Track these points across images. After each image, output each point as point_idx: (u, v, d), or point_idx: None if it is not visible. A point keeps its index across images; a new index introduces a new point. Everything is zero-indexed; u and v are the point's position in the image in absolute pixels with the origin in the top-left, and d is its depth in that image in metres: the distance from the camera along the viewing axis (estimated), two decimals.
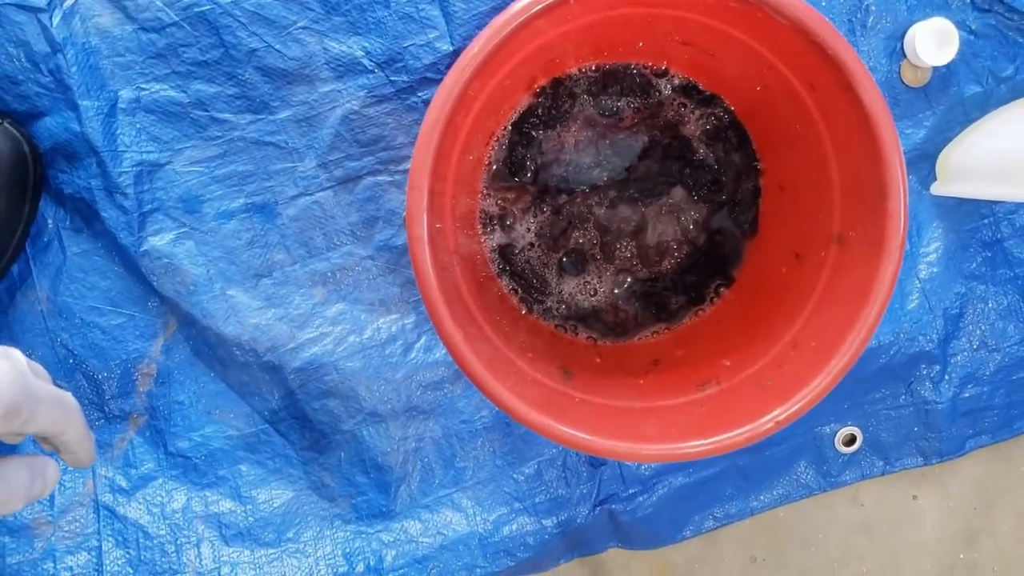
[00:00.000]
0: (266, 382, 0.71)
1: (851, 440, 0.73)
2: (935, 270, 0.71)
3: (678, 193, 0.66)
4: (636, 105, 0.65)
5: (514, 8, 0.49)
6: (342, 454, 0.72)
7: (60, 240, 0.71)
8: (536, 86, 0.64)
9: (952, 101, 0.71)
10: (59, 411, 0.39)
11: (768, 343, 0.56)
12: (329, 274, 0.71)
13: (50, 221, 0.71)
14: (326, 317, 0.71)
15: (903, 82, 0.71)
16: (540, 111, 0.65)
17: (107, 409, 0.72)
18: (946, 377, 0.72)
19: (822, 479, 0.73)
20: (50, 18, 0.68)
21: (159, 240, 0.69)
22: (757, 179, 0.66)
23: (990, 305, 0.72)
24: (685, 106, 0.65)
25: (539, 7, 0.48)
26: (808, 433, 0.73)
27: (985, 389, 0.72)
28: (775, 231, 0.64)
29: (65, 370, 0.71)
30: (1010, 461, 0.74)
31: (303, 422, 0.71)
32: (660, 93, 0.65)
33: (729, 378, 0.56)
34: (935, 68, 0.70)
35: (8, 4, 0.67)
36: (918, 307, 0.71)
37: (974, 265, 0.71)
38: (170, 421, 0.72)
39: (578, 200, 0.66)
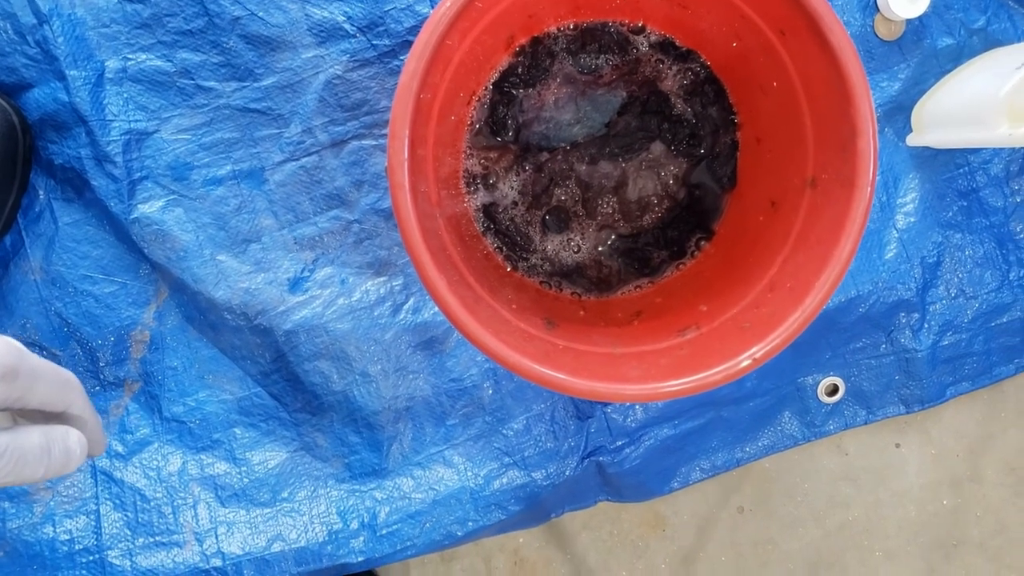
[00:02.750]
0: (257, 345, 0.72)
1: (833, 390, 0.74)
2: (912, 220, 0.72)
3: (657, 148, 0.67)
4: (614, 62, 0.66)
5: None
6: (334, 415, 0.73)
7: (51, 210, 0.72)
8: (516, 45, 0.65)
9: (926, 53, 0.72)
10: (60, 384, 0.39)
11: (746, 288, 0.57)
12: (317, 238, 0.72)
13: (41, 192, 0.72)
14: (315, 280, 0.72)
15: (877, 36, 0.72)
16: (520, 70, 0.66)
17: (102, 376, 0.73)
18: (925, 325, 0.73)
19: (806, 429, 0.75)
20: None
21: (149, 208, 0.70)
22: (735, 132, 0.67)
23: (967, 253, 0.73)
24: (662, 62, 0.67)
25: None
26: (791, 384, 0.74)
27: (964, 336, 0.73)
28: (753, 182, 0.65)
29: (60, 339, 0.72)
30: (991, 407, 0.76)
31: (295, 384, 0.73)
32: (637, 50, 0.66)
33: (709, 322, 0.57)
34: (908, 21, 0.71)
35: None
36: (896, 257, 0.72)
37: (950, 214, 0.73)
38: (164, 387, 0.73)
39: (559, 157, 0.67)
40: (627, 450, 0.72)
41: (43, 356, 0.70)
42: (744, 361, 0.51)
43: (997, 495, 0.77)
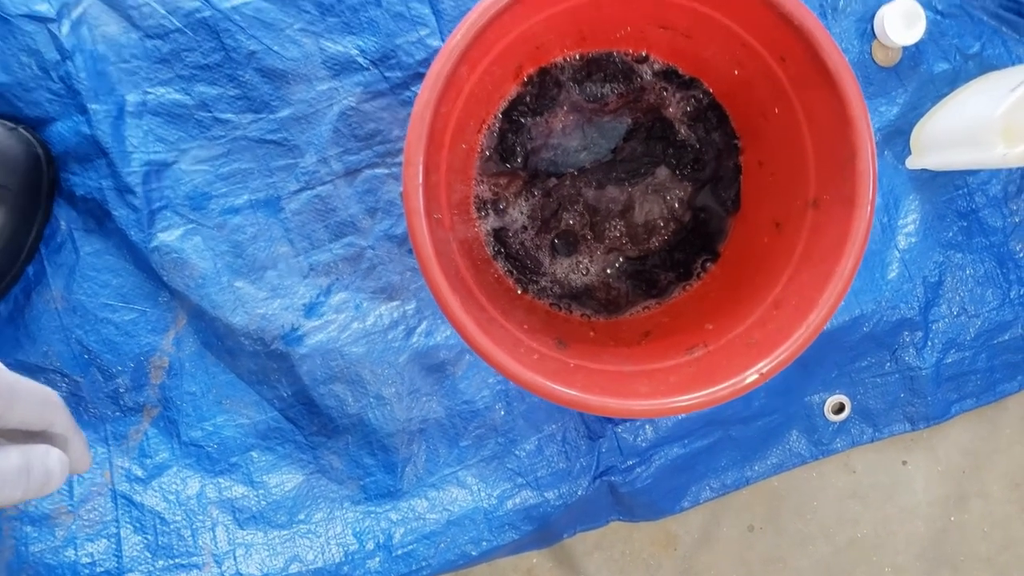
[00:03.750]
0: (274, 370, 0.74)
1: (840, 408, 0.75)
2: (914, 240, 0.74)
3: (663, 172, 0.69)
4: (619, 90, 0.68)
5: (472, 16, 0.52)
6: (349, 437, 0.74)
7: (73, 240, 0.74)
8: (524, 75, 0.67)
9: (923, 79, 0.74)
10: (39, 403, 0.38)
11: (752, 306, 0.59)
12: (331, 264, 0.74)
13: (63, 222, 0.74)
14: (330, 305, 0.74)
15: (875, 62, 0.74)
16: (528, 99, 0.68)
17: (122, 402, 0.74)
18: (929, 343, 0.74)
19: (814, 447, 0.76)
20: (59, 27, 0.71)
21: (168, 236, 0.72)
22: (737, 156, 0.69)
23: (968, 272, 0.74)
24: (666, 90, 0.69)
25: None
26: (798, 403, 0.75)
27: (967, 354, 0.74)
28: (757, 204, 0.67)
29: (80, 365, 0.74)
30: (995, 424, 0.77)
31: (311, 408, 0.74)
32: (642, 78, 0.68)
33: (716, 340, 0.58)
34: (905, 48, 0.73)
35: (20, 15, 0.70)
36: (898, 276, 0.74)
37: (951, 234, 0.74)
38: (183, 411, 0.74)
39: (567, 183, 0.69)
40: (638, 469, 0.73)
41: (64, 383, 0.72)
42: (751, 376, 0.52)
43: (1003, 511, 0.78)
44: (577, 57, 0.68)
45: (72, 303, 0.74)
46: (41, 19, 0.71)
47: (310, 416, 0.74)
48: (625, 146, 0.68)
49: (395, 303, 0.74)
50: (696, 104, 0.68)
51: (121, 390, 0.74)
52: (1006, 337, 0.75)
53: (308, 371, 0.73)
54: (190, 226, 0.73)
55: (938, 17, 0.73)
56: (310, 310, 0.74)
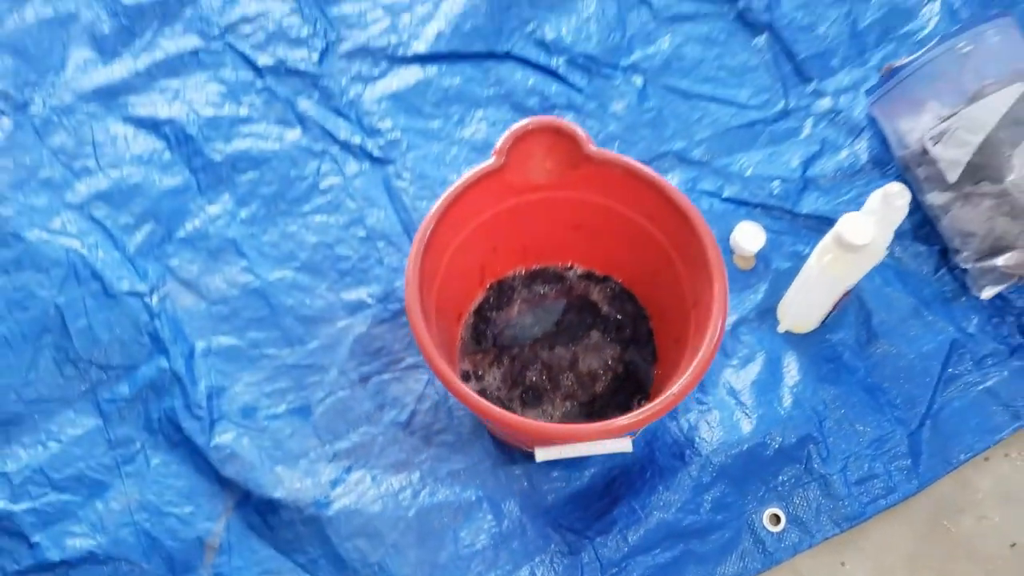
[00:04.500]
0: (307, 535, 0.89)
1: (776, 520, 0.91)
2: (797, 378, 0.96)
3: (595, 336, 0.94)
4: (555, 288, 0.96)
5: (446, 193, 0.81)
6: None
7: (145, 454, 0.94)
8: (487, 283, 0.95)
9: (774, 273, 1.02)
10: None
11: (668, 386, 0.80)
12: (351, 449, 0.94)
13: (138, 442, 0.94)
14: (351, 479, 0.92)
15: (738, 268, 1.03)
16: (491, 300, 0.95)
17: None
18: (830, 453, 0.92)
19: (763, 557, 0.90)
20: (150, 299, 0.99)
21: (224, 438, 0.93)
22: (648, 323, 0.94)
23: (846, 399, 0.95)
24: (588, 285, 0.96)
25: (462, 187, 0.81)
26: (742, 518, 0.91)
27: (865, 461, 0.92)
28: (666, 348, 0.91)
29: (146, 552, 0.89)
30: (910, 521, 0.92)
31: (338, 563, 0.88)
32: (570, 280, 0.96)
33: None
34: (757, 254, 1.03)
35: (123, 292, 0.98)
36: (792, 404, 0.94)
37: (824, 372, 0.97)
38: None
39: (527, 350, 0.93)
40: None
41: (130, 570, 0.87)
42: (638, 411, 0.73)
43: None
44: (523, 272, 0.96)
45: (142, 503, 0.91)
46: (137, 295, 0.99)
47: (337, 572, 0.88)
48: (564, 319, 0.94)
49: (403, 474, 0.93)
50: (611, 291, 0.96)
51: (179, 570, 0.88)
52: (890, 446, 0.93)
53: (335, 529, 0.89)
54: (241, 430, 0.94)
55: (773, 233, 1.04)
56: (335, 484, 0.92)
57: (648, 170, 0.82)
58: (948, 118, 0.97)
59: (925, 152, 0.98)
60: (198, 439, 0.93)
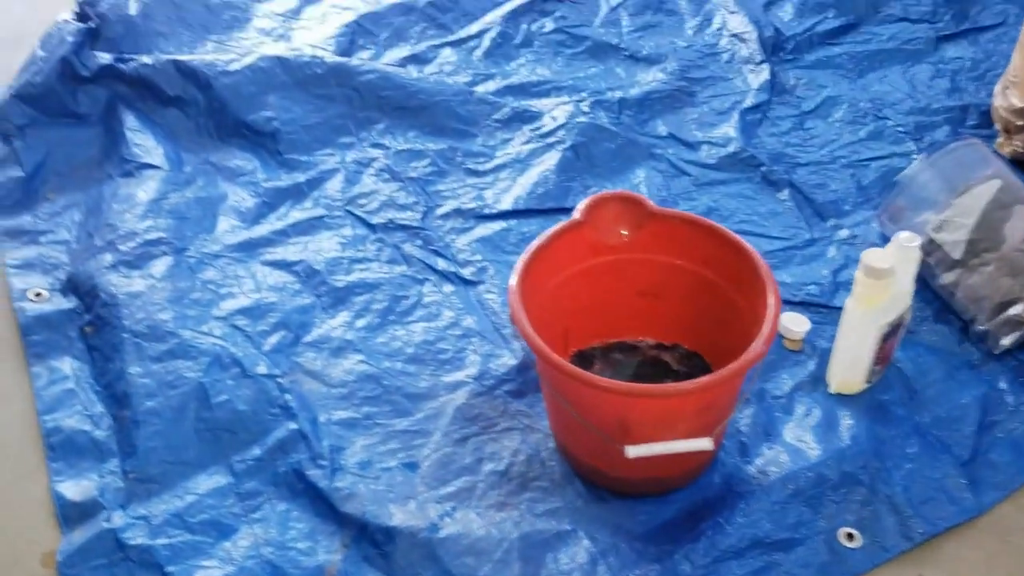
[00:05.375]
0: (419, 558, 0.98)
1: (851, 536, 0.98)
2: (851, 423, 1.07)
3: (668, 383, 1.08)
4: (630, 355, 1.12)
5: (536, 240, 1.01)
6: None
7: (271, 503, 1.04)
8: (570, 352, 1.11)
9: (821, 351, 1.17)
10: None
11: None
12: (456, 492, 1.04)
13: (264, 494, 1.06)
14: (457, 515, 1.01)
15: (788, 350, 1.18)
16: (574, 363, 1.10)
17: None
18: (891, 476, 1.01)
19: (843, 569, 0.96)
20: (281, 379, 1.15)
21: (344, 483, 1.04)
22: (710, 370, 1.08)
23: (900, 439, 1.06)
24: (659, 352, 1.12)
25: (550, 237, 1.01)
26: (820, 535, 0.98)
27: (926, 484, 1.01)
28: None
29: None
30: (978, 538, 0.98)
31: None
32: (643, 349, 1.12)
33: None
34: (804, 338, 1.19)
35: (259, 374, 1.15)
36: (851, 441, 1.05)
37: (877, 417, 1.08)
38: None
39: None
40: None
41: None
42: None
43: None
44: (599, 344, 1.13)
45: (270, 541, 1.01)
46: (271, 376, 1.15)
47: None
48: (638, 372, 1.09)
49: (504, 512, 1.02)
50: (680, 354, 1.11)
51: None
52: (946, 472, 1.02)
53: (445, 550, 0.97)
54: (358, 478, 1.05)
55: (815, 324, 1.20)
56: (443, 516, 1.01)
57: (702, 218, 1.03)
58: (944, 211, 1.17)
59: (931, 241, 1.18)
60: (320, 484, 1.04)
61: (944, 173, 1.21)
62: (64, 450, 1.09)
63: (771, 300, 0.95)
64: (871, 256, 1.00)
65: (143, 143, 1.47)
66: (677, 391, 0.88)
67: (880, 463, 1.03)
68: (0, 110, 1.49)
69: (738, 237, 1.00)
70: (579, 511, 1.02)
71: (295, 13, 1.78)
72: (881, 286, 1.01)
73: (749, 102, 1.58)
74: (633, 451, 0.92)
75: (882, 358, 1.09)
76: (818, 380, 1.14)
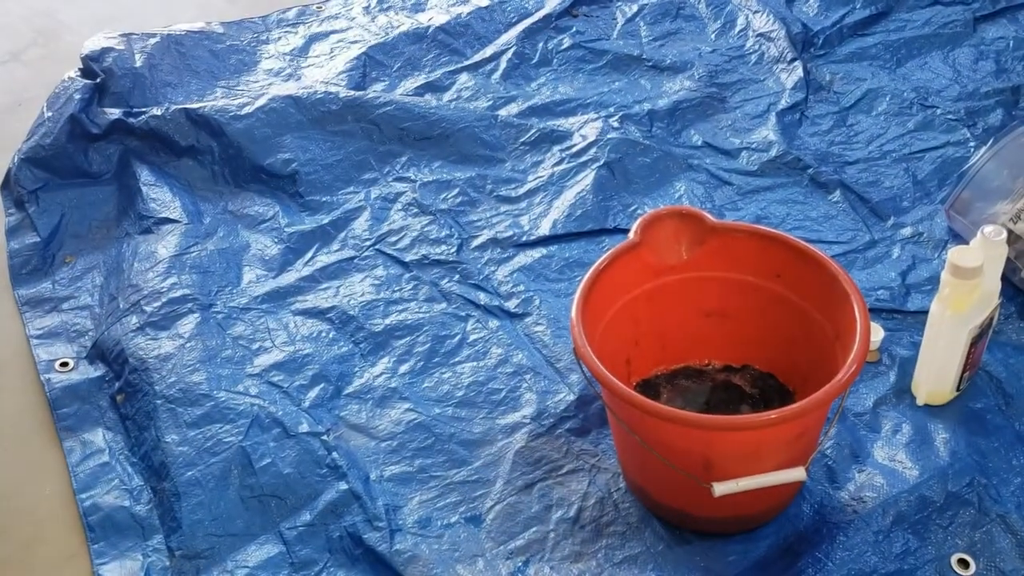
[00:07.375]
0: None
1: (965, 564, 0.89)
2: (947, 436, 0.99)
3: (745, 410, 1.00)
4: (697, 381, 1.04)
5: (594, 266, 0.94)
6: None
7: (329, 571, 0.97)
8: (633, 383, 1.03)
9: (899, 360, 1.09)
10: None
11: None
12: (525, 546, 0.97)
13: (320, 563, 0.98)
14: (530, 571, 0.94)
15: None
16: (642, 389, 1.02)
17: None
18: (1000, 493, 0.93)
19: None
20: (326, 437, 1.08)
21: (404, 545, 0.96)
22: (793, 398, 1.00)
23: (1003, 448, 0.98)
24: (729, 375, 1.04)
25: (605, 262, 0.94)
26: (930, 564, 0.90)
27: None
28: None
29: None
30: None
31: None
32: (710, 374, 1.05)
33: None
34: (879, 348, 1.11)
35: (303, 433, 1.08)
36: (950, 457, 0.97)
37: (974, 428, 1.00)
38: None
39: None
40: None
41: None
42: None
43: None
44: (664, 370, 1.05)
45: None
46: (315, 434, 1.08)
47: None
48: (711, 399, 1.01)
49: (580, 563, 0.94)
50: (751, 376, 1.03)
51: None
52: None
53: None
54: (419, 538, 0.98)
55: (889, 331, 1.12)
56: (514, 574, 0.93)
57: (768, 229, 0.95)
58: (1020, 200, 1.09)
59: (1010, 232, 1.10)
60: (380, 547, 0.96)
61: (1011, 160, 1.13)
62: (104, 529, 1.02)
63: (857, 311, 0.87)
64: (959, 254, 0.92)
65: (159, 197, 1.40)
66: (770, 421, 0.80)
67: (986, 479, 0.94)
68: (11, 176, 1.43)
69: (810, 247, 0.93)
70: (662, 555, 0.94)
71: (302, 51, 1.72)
72: (970, 286, 0.93)
73: (785, 102, 1.51)
74: (721, 488, 0.84)
75: (971, 363, 1.01)
76: (902, 392, 1.06)
